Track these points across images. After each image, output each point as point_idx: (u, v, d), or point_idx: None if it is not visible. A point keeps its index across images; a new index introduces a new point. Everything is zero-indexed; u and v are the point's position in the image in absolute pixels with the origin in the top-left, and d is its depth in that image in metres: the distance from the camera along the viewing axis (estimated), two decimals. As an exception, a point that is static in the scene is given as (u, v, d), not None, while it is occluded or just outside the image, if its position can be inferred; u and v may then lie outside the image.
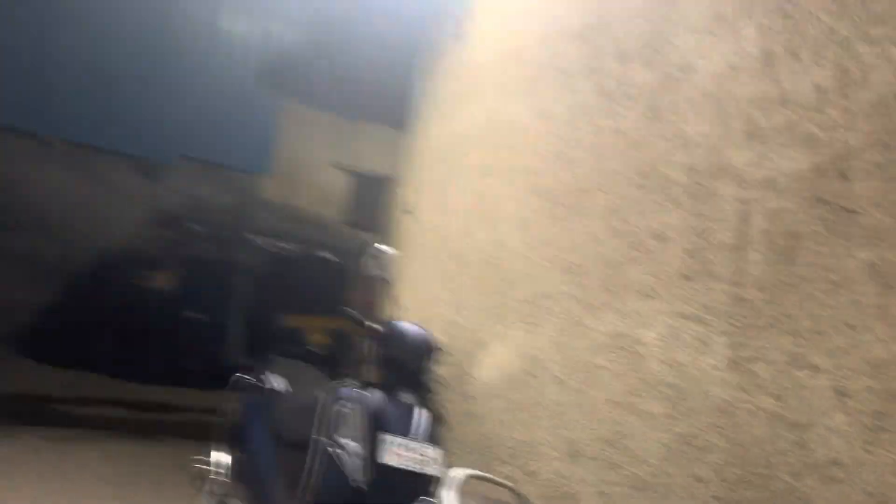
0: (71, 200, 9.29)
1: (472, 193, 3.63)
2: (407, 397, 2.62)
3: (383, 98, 10.28)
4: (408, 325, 2.90)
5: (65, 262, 9.07)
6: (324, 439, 2.48)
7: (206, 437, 3.29)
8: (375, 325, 2.94)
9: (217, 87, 10.07)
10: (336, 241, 10.45)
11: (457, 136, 3.87)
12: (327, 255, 9.29)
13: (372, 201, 11.58)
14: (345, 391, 2.63)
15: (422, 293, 3.81)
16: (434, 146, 4.10)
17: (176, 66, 9.75)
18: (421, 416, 2.58)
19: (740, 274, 2.19)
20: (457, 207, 3.74)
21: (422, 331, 2.86)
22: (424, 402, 2.67)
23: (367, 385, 2.64)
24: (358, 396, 2.57)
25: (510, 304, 3.18)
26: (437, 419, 2.67)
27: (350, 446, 2.44)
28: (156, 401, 7.34)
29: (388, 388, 2.62)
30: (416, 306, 3.86)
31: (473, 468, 2.39)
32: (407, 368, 2.72)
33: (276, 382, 3.32)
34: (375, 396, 2.57)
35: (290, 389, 3.30)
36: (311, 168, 10.91)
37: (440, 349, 2.86)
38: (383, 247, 2.85)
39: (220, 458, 3.19)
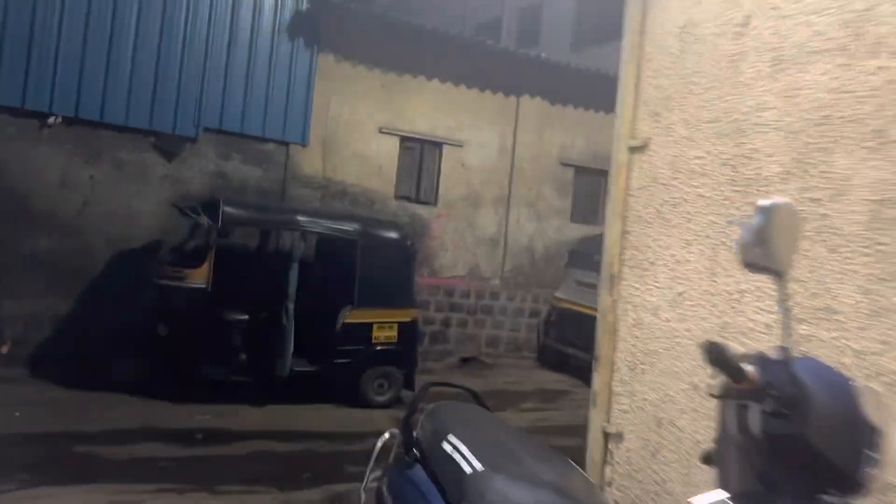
0: (84, 184, 7.70)
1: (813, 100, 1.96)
2: None
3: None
4: (821, 369, 1.27)
5: (86, 258, 7.54)
6: None
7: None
8: (751, 370, 1.28)
9: (243, 45, 8.41)
10: (392, 218, 8.78)
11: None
12: (391, 234, 7.56)
13: (429, 170, 9.92)
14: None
15: (696, 290, 2.15)
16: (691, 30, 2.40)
17: (192, 26, 8.11)
18: None
19: None
20: (761, 122, 2.07)
21: (847, 381, 1.26)
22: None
23: (748, 498, 1.23)
24: None
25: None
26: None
27: None
28: (204, 427, 5.79)
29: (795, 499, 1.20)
30: (699, 316, 2.22)
31: None
32: (840, 465, 1.19)
33: (452, 443, 1.93)
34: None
35: (480, 463, 1.79)
36: (356, 134, 9.24)
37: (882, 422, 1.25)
38: (771, 201, 1.19)
39: None
